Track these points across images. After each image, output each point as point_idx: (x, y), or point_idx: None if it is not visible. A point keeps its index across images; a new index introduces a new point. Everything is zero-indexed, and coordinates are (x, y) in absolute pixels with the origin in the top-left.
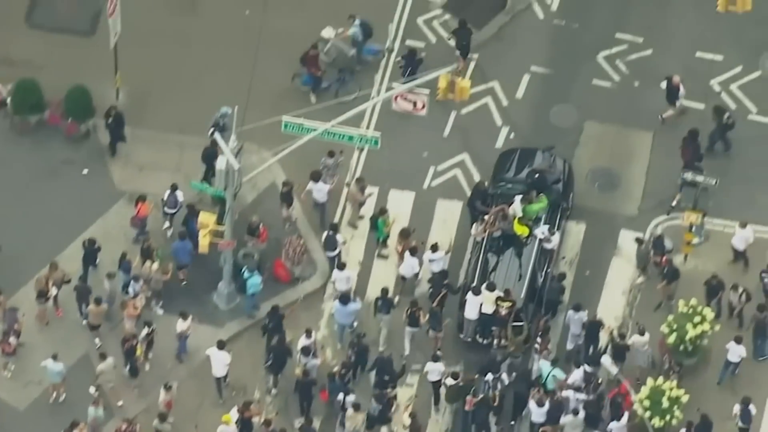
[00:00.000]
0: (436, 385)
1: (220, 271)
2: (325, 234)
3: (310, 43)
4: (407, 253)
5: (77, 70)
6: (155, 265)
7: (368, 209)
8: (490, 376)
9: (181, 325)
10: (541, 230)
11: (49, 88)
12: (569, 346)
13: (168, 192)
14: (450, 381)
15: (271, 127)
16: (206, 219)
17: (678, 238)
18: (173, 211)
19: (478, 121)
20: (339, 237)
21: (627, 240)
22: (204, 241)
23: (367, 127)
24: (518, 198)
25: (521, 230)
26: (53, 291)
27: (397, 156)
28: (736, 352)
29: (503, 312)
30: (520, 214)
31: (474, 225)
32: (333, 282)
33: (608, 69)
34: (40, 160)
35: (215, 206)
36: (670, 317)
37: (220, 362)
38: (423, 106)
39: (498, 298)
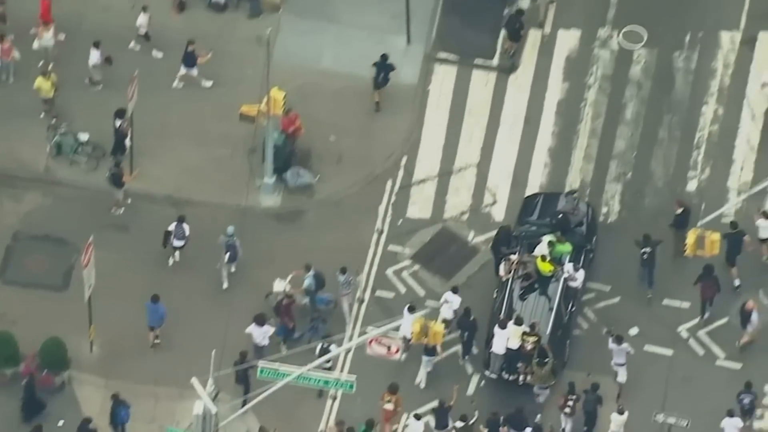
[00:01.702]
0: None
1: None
2: None
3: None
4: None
5: (52, 323)
6: None
7: None
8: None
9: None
10: (567, 268)
11: (24, 341)
12: (620, 378)
13: (175, 223)
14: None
15: None
16: None
17: None
18: (181, 243)
19: (448, 368)
20: None
21: None
22: None
23: (341, 371)
24: (545, 238)
25: (546, 268)
26: None
27: (373, 401)
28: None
29: (529, 347)
30: (545, 253)
31: (501, 266)
32: None
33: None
34: (17, 411)
35: None
36: None
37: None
38: (397, 350)
39: (524, 333)
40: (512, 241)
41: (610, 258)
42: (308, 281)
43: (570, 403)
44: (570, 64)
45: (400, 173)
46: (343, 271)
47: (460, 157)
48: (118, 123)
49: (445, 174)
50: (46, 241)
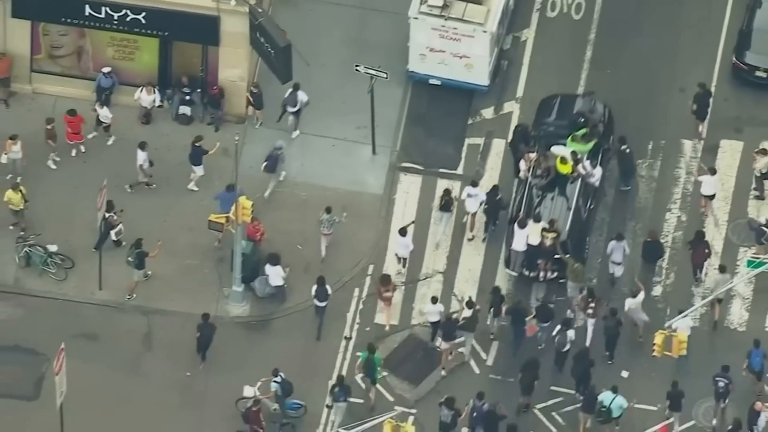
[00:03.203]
0: (436, 326)
1: None
2: None
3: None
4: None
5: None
6: None
7: None
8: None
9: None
10: (583, 165)
11: None
12: (618, 272)
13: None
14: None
15: None
16: None
17: None
18: (294, 109)
19: None
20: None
21: None
22: None
23: None
24: (567, 142)
25: (565, 169)
26: None
27: None
28: None
29: (548, 243)
30: (562, 153)
31: (521, 163)
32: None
33: (545, 420)
34: None
35: None
36: None
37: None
38: None
39: (543, 229)
40: (530, 141)
41: None
42: (275, 386)
43: (592, 305)
44: None
45: (367, 281)
46: (328, 210)
47: (426, 265)
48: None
49: (412, 281)
50: (17, 351)
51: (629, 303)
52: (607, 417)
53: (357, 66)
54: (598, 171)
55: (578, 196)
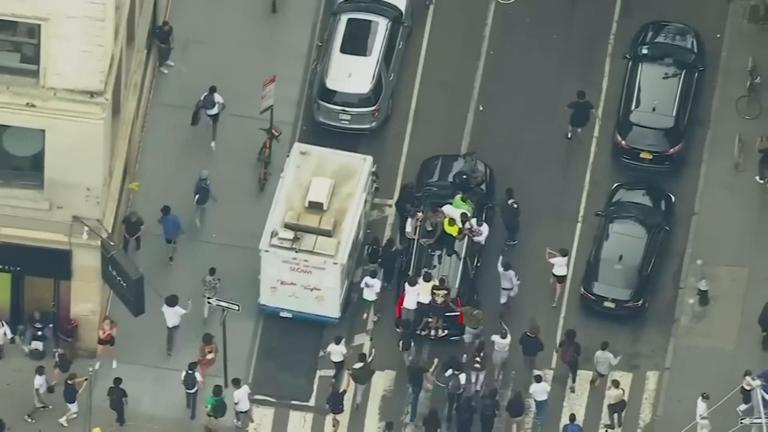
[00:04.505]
0: (339, 366)
1: None
2: None
3: None
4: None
5: None
6: None
7: None
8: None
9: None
10: (469, 224)
11: None
12: (502, 300)
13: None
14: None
15: None
16: None
17: None
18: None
19: None
20: None
21: None
22: None
23: None
24: (454, 202)
25: (452, 230)
26: None
27: None
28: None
29: (439, 300)
30: (452, 214)
31: (408, 222)
32: None
33: None
34: None
35: None
36: None
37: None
38: None
39: (434, 287)
40: (415, 201)
41: None
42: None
43: (478, 359)
44: None
45: None
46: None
47: None
48: None
49: None
50: None
51: (498, 343)
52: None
53: (209, 298)
54: (485, 229)
55: (466, 253)
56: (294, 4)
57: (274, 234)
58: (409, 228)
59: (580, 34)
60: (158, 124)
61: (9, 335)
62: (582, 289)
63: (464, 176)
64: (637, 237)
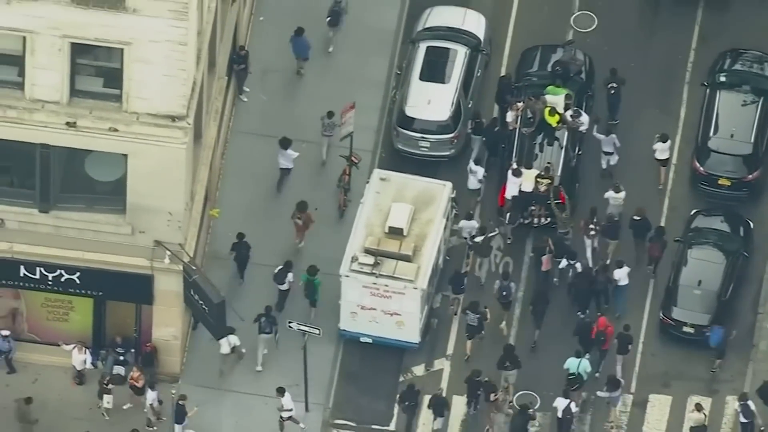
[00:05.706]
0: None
1: None
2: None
3: None
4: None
5: None
6: None
7: None
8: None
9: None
10: (569, 113)
11: None
12: (603, 165)
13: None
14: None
15: None
16: None
17: None
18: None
19: None
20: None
21: None
22: None
23: None
24: (556, 92)
25: (552, 120)
26: None
27: None
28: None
29: (542, 189)
30: (553, 102)
31: (508, 114)
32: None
33: None
34: None
35: None
36: None
37: None
38: None
39: (538, 176)
40: (514, 91)
41: None
42: None
43: (592, 226)
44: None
45: None
46: (330, 115)
47: None
48: None
49: None
50: None
51: (612, 198)
52: (578, 383)
53: (290, 323)
54: (585, 117)
55: (567, 142)
56: (372, 32)
57: (354, 259)
58: (509, 118)
59: (658, 63)
60: (238, 152)
61: (89, 363)
62: (661, 314)
63: (563, 65)
64: (716, 263)
